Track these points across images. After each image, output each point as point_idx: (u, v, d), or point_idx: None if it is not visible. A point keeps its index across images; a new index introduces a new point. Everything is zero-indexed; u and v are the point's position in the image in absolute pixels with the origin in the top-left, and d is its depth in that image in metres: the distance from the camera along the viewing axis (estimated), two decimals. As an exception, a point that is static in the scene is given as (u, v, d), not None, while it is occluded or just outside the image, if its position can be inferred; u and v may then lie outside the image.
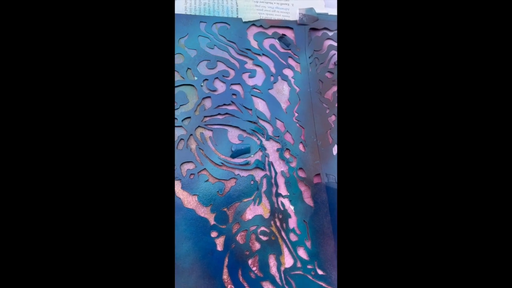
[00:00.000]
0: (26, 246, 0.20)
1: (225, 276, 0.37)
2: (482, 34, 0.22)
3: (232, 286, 0.37)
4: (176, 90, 0.43)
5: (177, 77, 0.44)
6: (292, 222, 0.41)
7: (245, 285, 0.37)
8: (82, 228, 0.21)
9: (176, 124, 0.42)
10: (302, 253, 0.40)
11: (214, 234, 0.38)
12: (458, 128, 0.22)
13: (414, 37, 0.23)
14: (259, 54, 0.48)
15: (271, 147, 0.44)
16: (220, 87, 0.45)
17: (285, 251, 0.40)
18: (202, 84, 0.44)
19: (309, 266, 0.39)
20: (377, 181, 0.22)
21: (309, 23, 0.51)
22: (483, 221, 0.21)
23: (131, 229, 0.22)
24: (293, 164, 0.43)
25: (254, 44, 0.48)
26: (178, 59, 0.45)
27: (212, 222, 0.39)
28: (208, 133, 0.42)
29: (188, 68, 0.44)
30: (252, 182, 0.41)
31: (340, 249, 0.23)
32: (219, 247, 0.38)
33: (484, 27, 0.22)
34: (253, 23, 0.49)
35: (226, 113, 0.44)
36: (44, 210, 0.21)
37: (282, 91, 0.47)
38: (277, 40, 0.49)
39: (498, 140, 0.21)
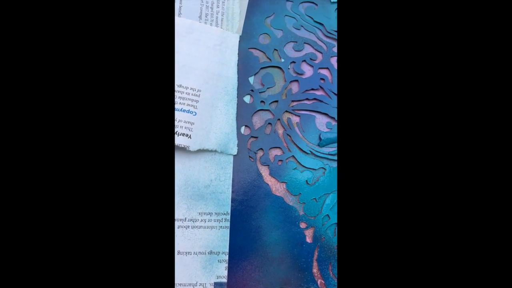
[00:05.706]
0: (25, 230, 0.20)
1: (315, 269, 0.35)
2: (483, 28, 0.22)
3: (323, 281, 0.35)
4: (263, 71, 0.41)
5: (264, 58, 0.42)
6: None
7: (336, 282, 0.35)
8: (81, 214, 0.21)
9: (263, 108, 0.40)
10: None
11: (303, 225, 0.36)
12: (459, 123, 0.22)
13: (415, 34, 0.23)
14: (347, 37, 0.44)
15: (360, 137, 0.41)
16: (308, 70, 0.42)
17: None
18: (289, 67, 0.42)
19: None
20: (380, 184, 0.22)
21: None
22: (481, 219, 0.21)
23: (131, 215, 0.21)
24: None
25: (342, 26, 0.45)
26: (264, 40, 0.42)
27: (301, 212, 0.37)
28: (295, 119, 0.40)
29: (275, 49, 0.42)
30: (340, 173, 0.39)
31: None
32: (308, 239, 0.36)
33: (484, 25, 0.22)
34: (342, 3, 0.45)
35: (314, 99, 0.41)
36: (44, 198, 0.20)
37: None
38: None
39: (498, 140, 0.21)
